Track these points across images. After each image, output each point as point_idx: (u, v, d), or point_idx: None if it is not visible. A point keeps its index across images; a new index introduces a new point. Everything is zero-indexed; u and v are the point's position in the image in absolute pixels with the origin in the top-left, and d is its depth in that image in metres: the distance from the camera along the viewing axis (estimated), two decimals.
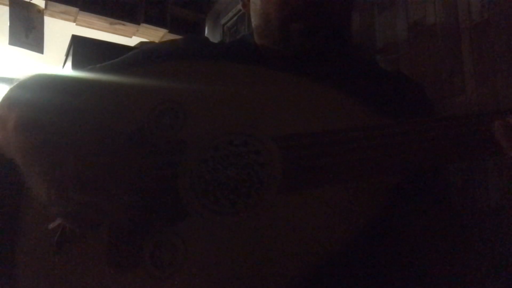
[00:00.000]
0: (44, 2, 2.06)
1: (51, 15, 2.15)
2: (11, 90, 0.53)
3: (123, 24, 2.26)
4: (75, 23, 2.25)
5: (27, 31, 1.93)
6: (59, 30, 2.31)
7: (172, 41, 0.71)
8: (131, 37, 2.42)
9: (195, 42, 0.67)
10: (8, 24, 1.88)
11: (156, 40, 2.39)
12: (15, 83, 0.54)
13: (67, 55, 2.00)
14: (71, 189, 0.39)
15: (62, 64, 2.12)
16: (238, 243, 0.39)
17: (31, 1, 2.00)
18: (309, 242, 0.38)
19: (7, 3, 1.92)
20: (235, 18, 2.20)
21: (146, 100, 0.49)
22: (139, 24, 2.29)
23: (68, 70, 1.86)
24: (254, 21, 0.63)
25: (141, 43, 2.16)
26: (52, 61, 3.11)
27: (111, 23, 2.25)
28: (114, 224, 0.43)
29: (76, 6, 2.09)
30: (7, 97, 0.52)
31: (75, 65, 1.81)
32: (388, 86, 0.63)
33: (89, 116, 0.46)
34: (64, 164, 0.40)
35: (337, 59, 0.64)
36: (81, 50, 1.86)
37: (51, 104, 0.48)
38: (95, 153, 0.41)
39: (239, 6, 2.26)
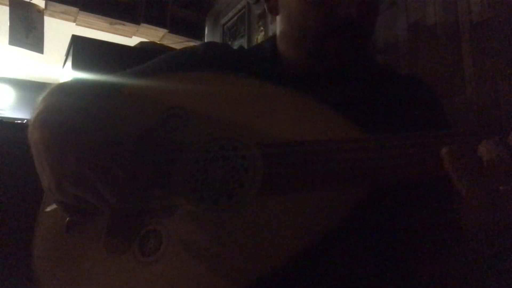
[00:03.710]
0: (44, 2, 2.06)
1: (51, 15, 2.15)
2: (46, 93, 0.57)
3: (123, 24, 2.27)
4: (75, 23, 2.25)
5: (27, 31, 1.93)
6: (59, 30, 2.31)
7: (192, 48, 0.72)
8: (131, 37, 2.42)
9: (214, 50, 0.68)
10: (8, 24, 1.89)
11: (156, 40, 2.39)
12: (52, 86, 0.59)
13: (67, 55, 2.00)
14: (67, 183, 0.43)
15: (62, 64, 2.13)
16: (215, 238, 0.43)
17: (31, 1, 2.00)
18: (278, 243, 0.42)
19: (7, 3, 1.93)
20: (235, 18, 2.20)
21: (158, 106, 0.55)
22: (139, 24, 2.29)
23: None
24: (286, 29, 0.62)
25: (141, 43, 2.16)
26: (52, 61, 3.11)
27: (111, 23, 2.26)
28: (114, 212, 0.47)
29: (76, 6, 2.09)
30: (40, 99, 0.57)
31: (75, 65, 1.81)
32: (400, 92, 0.63)
33: (101, 118, 0.50)
34: (65, 160, 0.43)
35: (355, 66, 0.64)
36: (81, 50, 1.86)
37: (66, 106, 0.52)
38: (95, 153, 0.44)
39: (239, 6, 2.26)
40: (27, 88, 4.30)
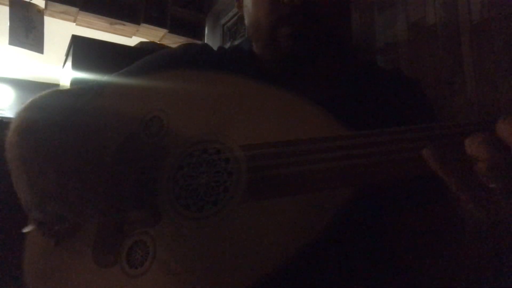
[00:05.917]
0: (44, 2, 2.06)
1: (51, 15, 2.15)
2: (23, 108, 0.56)
3: (123, 24, 2.26)
4: (75, 23, 2.25)
5: (27, 31, 1.93)
6: (59, 30, 2.31)
7: (170, 50, 0.71)
8: (131, 37, 2.42)
9: (193, 50, 0.68)
10: (8, 24, 1.89)
11: (156, 40, 2.39)
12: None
13: (67, 55, 2.00)
14: (49, 200, 0.42)
15: (62, 64, 2.12)
16: (201, 248, 0.42)
17: (31, 1, 2.00)
18: (265, 250, 0.40)
19: (7, 3, 1.93)
20: (235, 18, 2.20)
21: (138, 109, 0.52)
22: (139, 24, 2.28)
23: (68, 71, 1.86)
24: (247, 24, 0.64)
25: (141, 43, 2.16)
26: (52, 61, 3.11)
27: (111, 23, 2.25)
28: (101, 223, 0.46)
29: (76, 6, 2.09)
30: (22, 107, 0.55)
31: (75, 65, 1.81)
32: (384, 87, 0.64)
33: (80, 124, 0.48)
34: (46, 177, 0.42)
35: (332, 63, 0.64)
36: (81, 50, 1.86)
37: (44, 113, 0.51)
38: (75, 164, 0.43)
39: None
40: (27, 88, 4.30)
